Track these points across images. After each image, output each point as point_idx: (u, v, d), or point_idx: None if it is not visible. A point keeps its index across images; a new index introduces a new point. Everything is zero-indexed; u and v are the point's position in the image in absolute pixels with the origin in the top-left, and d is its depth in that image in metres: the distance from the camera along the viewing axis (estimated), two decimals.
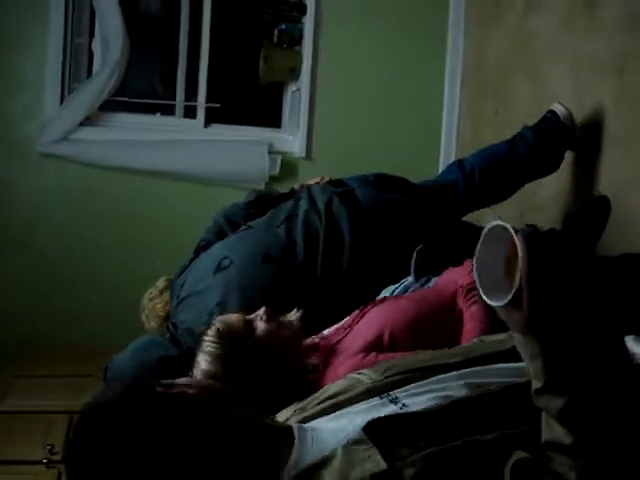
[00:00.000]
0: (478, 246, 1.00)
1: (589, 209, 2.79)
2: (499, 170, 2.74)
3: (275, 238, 2.28)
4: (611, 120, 2.72)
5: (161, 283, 2.59)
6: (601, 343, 0.96)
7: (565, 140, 2.86)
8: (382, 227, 2.30)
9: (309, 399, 1.23)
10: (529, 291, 0.93)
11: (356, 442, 1.02)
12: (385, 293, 2.08)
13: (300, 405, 1.22)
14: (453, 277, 1.93)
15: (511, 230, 0.95)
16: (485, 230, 0.99)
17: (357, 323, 1.78)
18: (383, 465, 0.97)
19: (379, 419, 1.05)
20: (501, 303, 0.95)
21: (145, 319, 2.56)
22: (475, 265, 1.01)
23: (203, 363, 1.63)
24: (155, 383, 1.06)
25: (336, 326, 1.82)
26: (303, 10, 3.96)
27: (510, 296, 0.93)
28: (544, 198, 3.11)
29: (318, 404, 1.18)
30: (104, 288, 3.76)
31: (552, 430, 0.98)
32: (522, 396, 1.04)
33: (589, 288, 0.97)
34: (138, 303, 2.59)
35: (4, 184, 3.76)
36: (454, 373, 1.16)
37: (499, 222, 0.97)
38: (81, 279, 3.79)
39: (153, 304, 2.55)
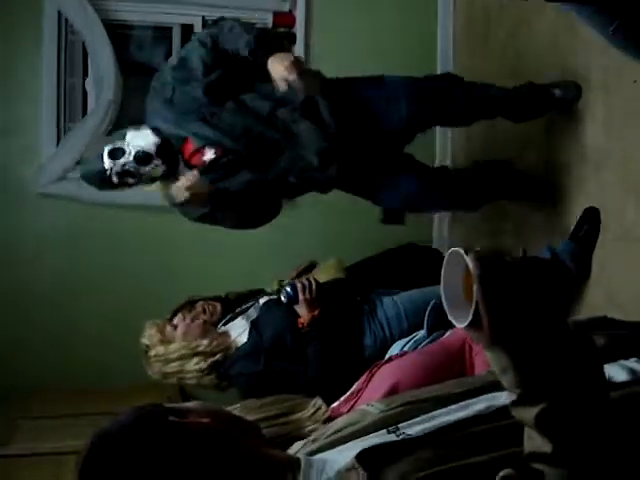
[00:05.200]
0: (442, 272, 1.03)
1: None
2: None
3: None
4: None
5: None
6: (565, 349, 0.97)
7: None
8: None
9: (320, 431, 1.25)
10: (485, 308, 0.95)
11: (348, 470, 1.04)
12: (395, 348, 2.08)
13: (312, 437, 1.24)
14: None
15: (464, 255, 0.99)
16: (446, 256, 1.03)
17: (367, 386, 1.77)
18: None
19: (372, 447, 1.07)
20: (464, 324, 0.98)
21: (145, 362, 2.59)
22: (442, 292, 1.03)
23: None
24: (167, 411, 1.07)
25: (344, 397, 1.79)
26: None
27: (470, 317, 0.97)
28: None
29: (327, 437, 1.19)
30: (107, 326, 3.78)
31: (532, 440, 0.99)
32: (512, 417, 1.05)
33: (543, 297, 0.98)
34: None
35: (4, 227, 3.79)
36: (461, 403, 1.17)
37: (456, 248, 1.01)
38: (84, 317, 3.81)
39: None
